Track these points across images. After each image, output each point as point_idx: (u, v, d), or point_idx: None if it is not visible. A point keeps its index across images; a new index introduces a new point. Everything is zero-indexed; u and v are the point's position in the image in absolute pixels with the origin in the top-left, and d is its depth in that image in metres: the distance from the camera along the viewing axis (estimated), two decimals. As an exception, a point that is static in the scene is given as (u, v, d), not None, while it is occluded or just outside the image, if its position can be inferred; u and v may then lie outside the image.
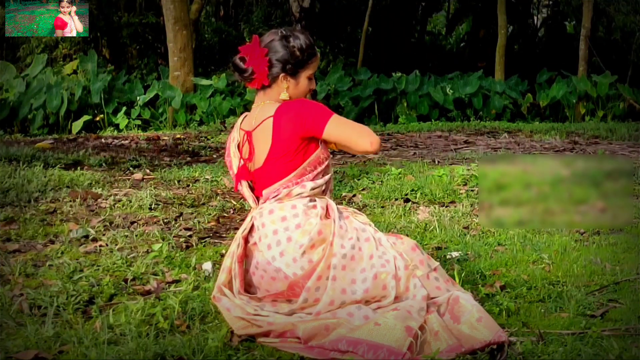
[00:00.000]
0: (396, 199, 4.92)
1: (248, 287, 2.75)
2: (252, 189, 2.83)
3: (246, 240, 2.77)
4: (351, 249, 2.62)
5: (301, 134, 2.67)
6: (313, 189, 2.73)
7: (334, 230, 2.64)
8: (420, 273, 2.63)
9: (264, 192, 2.76)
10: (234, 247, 2.75)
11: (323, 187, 2.78)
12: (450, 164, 6.36)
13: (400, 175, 5.64)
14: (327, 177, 2.79)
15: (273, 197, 2.73)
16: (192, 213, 4.50)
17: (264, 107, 2.77)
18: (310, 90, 2.82)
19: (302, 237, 2.63)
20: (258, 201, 2.81)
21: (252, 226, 2.77)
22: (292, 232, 2.65)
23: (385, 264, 2.61)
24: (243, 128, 2.82)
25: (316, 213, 2.68)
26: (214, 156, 7.05)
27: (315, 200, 2.73)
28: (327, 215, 2.72)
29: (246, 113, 2.91)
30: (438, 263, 2.74)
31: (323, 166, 2.76)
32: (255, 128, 2.75)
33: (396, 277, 2.59)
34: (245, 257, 2.76)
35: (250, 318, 2.55)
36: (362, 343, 2.34)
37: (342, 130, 2.66)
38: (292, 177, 2.71)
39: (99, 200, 4.69)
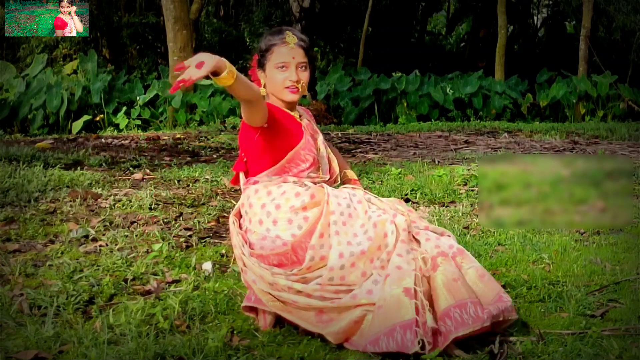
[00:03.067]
0: (396, 199, 4.92)
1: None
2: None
3: (239, 218, 2.79)
4: (347, 207, 2.67)
5: (248, 126, 2.69)
6: (295, 182, 2.74)
7: (328, 191, 2.69)
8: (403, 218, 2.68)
9: (247, 178, 2.80)
10: (232, 227, 2.76)
11: (313, 181, 2.78)
12: (450, 164, 6.36)
13: (400, 175, 5.64)
14: (320, 173, 2.82)
15: (253, 183, 2.76)
16: (192, 213, 4.50)
17: None
18: (292, 82, 2.73)
19: (291, 201, 2.66)
20: None
21: (242, 218, 2.79)
22: (279, 199, 2.67)
23: (381, 213, 2.66)
24: None
25: (306, 188, 2.71)
26: (214, 156, 7.04)
27: (305, 184, 2.76)
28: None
29: None
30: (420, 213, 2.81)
31: (307, 164, 2.77)
32: None
33: (394, 222, 2.63)
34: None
35: (276, 294, 2.56)
36: (380, 336, 2.39)
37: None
38: (269, 172, 2.74)
39: (99, 200, 4.69)
